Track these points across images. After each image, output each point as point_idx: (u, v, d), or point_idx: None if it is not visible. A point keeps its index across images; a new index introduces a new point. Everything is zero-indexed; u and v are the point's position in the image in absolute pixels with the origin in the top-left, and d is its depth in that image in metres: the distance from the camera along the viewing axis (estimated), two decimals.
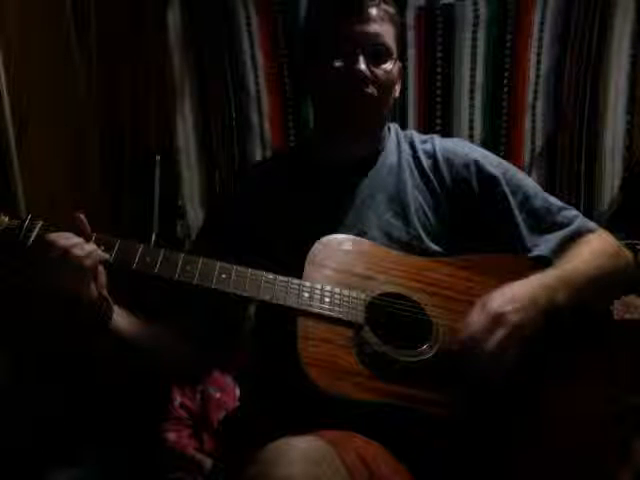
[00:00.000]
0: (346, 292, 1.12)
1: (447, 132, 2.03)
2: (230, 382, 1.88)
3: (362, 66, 1.20)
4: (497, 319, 1.06)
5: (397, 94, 1.32)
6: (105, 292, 1.07)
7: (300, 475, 0.87)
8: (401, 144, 1.33)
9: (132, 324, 1.13)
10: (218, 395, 1.83)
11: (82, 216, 1.07)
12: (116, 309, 1.11)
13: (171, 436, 1.75)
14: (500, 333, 1.04)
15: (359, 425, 1.04)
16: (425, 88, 2.05)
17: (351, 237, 1.19)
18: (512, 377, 1.07)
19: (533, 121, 2.02)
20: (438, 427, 1.06)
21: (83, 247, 1.03)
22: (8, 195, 1.65)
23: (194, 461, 1.69)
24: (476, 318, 1.07)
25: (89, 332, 1.10)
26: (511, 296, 1.09)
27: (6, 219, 1.06)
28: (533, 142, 2.04)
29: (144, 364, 1.23)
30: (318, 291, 1.10)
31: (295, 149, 1.80)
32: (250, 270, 1.10)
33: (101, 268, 1.06)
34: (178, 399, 1.83)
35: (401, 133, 1.36)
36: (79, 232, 1.05)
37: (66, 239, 1.02)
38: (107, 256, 1.06)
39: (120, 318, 1.11)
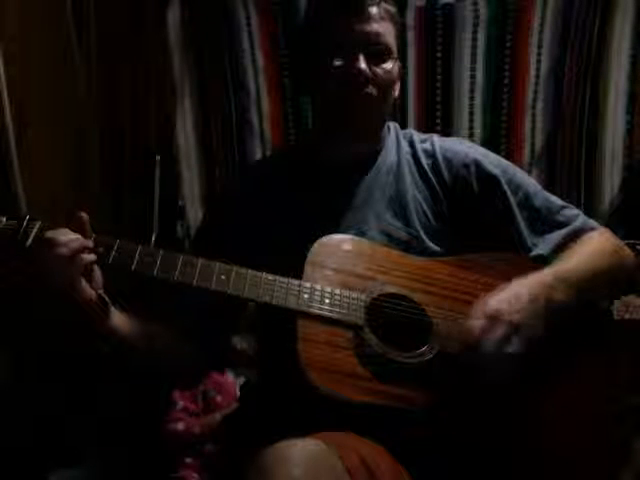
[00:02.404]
0: (346, 293, 1.12)
1: (447, 132, 2.03)
2: (230, 383, 1.89)
3: (362, 65, 1.19)
4: (496, 318, 1.06)
5: (397, 93, 1.31)
6: (102, 292, 1.07)
7: (301, 477, 0.87)
8: (400, 143, 1.33)
9: (130, 324, 1.13)
10: (219, 398, 1.83)
11: (84, 215, 1.07)
12: (114, 309, 1.11)
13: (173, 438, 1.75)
14: (498, 332, 1.05)
15: (359, 426, 1.04)
16: (425, 88, 2.05)
17: (351, 237, 1.19)
18: (512, 377, 1.08)
19: (533, 121, 2.03)
20: (438, 428, 1.06)
21: (78, 242, 1.03)
22: (8, 195, 1.65)
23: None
24: (476, 318, 1.07)
25: (87, 332, 1.10)
26: (511, 296, 1.09)
27: (4, 219, 1.06)
28: (533, 142, 2.04)
29: (143, 363, 1.23)
30: (318, 292, 1.10)
31: (295, 148, 1.80)
32: (250, 271, 1.10)
33: (97, 268, 1.06)
34: (180, 403, 1.83)
35: (400, 132, 1.36)
36: (79, 231, 1.05)
37: (62, 240, 1.02)
38: (102, 253, 1.06)
39: (118, 318, 1.11)
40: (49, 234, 1.03)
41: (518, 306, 1.07)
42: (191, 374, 1.36)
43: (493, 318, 1.06)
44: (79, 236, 1.04)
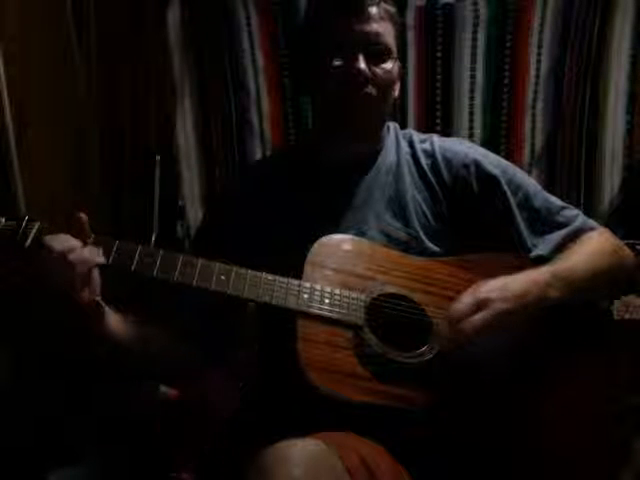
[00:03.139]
0: (346, 293, 1.12)
1: (447, 132, 2.03)
2: (230, 384, 1.88)
3: (362, 65, 1.20)
4: (482, 303, 1.07)
5: (397, 93, 1.31)
6: (97, 296, 1.06)
7: (301, 477, 0.87)
8: (400, 143, 1.33)
9: (127, 326, 1.13)
10: (217, 399, 1.83)
11: (84, 216, 1.07)
12: (110, 311, 1.10)
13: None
14: (480, 315, 1.06)
15: (359, 426, 1.04)
16: (425, 88, 2.05)
17: (350, 237, 1.19)
18: (501, 369, 1.08)
19: (533, 121, 2.02)
20: (438, 428, 1.06)
21: (77, 252, 1.02)
22: (8, 195, 1.65)
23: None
24: (463, 299, 1.08)
25: (84, 334, 1.10)
26: (501, 285, 1.11)
27: (3, 220, 1.06)
28: (533, 142, 2.04)
29: (139, 366, 1.23)
30: (318, 292, 1.10)
31: (295, 148, 1.80)
32: (249, 271, 1.10)
33: (95, 273, 1.05)
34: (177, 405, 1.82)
35: (400, 132, 1.36)
36: (79, 233, 1.05)
37: (61, 244, 1.02)
38: (102, 260, 1.05)
39: (115, 320, 1.11)
40: (49, 240, 1.02)
41: (506, 297, 1.08)
42: (188, 376, 1.37)
43: (480, 302, 1.07)
44: (79, 242, 1.03)
